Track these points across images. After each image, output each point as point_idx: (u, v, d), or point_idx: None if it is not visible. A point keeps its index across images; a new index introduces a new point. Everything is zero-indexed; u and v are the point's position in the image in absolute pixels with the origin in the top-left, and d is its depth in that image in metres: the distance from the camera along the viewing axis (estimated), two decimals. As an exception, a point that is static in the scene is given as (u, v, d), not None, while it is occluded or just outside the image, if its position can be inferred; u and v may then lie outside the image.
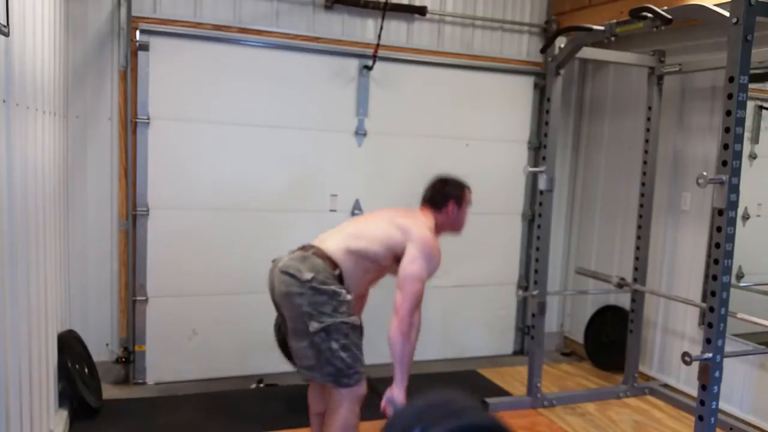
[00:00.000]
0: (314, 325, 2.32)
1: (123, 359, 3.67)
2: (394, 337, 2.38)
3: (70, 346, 3.24)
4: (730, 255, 2.39)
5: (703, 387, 2.44)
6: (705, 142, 3.69)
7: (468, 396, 1.59)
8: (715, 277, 2.42)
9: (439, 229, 2.67)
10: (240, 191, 3.80)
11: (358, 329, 2.44)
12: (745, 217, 3.50)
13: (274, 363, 3.92)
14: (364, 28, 3.99)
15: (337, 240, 2.51)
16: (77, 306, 3.58)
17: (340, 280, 2.43)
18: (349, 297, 2.40)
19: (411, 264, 2.43)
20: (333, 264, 2.43)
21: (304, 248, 2.49)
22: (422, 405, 1.60)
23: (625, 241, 4.19)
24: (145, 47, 3.50)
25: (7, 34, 1.95)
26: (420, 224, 2.55)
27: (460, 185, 2.74)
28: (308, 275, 2.33)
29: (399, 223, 2.53)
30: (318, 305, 2.33)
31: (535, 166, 4.18)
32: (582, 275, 4.25)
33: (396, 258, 2.49)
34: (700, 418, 2.45)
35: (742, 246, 2.47)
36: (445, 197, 2.68)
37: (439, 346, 4.37)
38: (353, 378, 2.39)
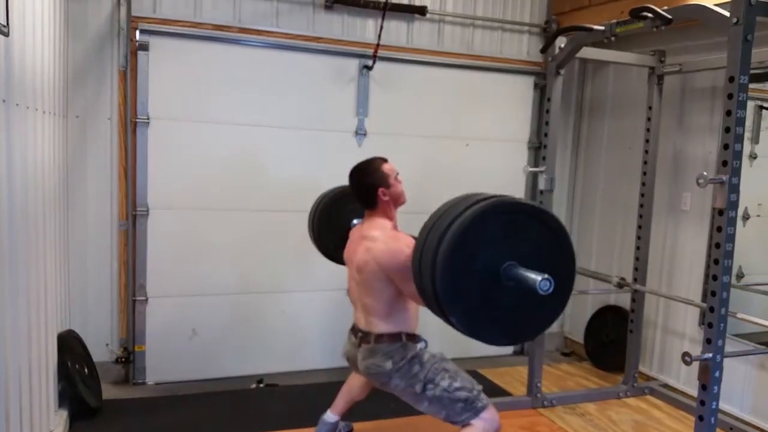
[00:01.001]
0: (418, 387, 2.44)
1: (123, 359, 3.67)
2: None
3: (70, 346, 3.24)
4: (730, 255, 2.39)
5: (703, 387, 2.44)
6: (705, 142, 3.69)
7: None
8: (715, 277, 2.41)
9: (391, 216, 2.59)
10: (240, 191, 3.80)
11: (446, 359, 2.54)
12: (745, 217, 3.50)
13: (274, 363, 3.96)
14: (364, 28, 3.99)
15: (369, 316, 2.53)
16: (77, 306, 3.58)
17: (409, 337, 2.52)
18: (419, 346, 2.52)
19: (402, 283, 2.38)
20: (392, 336, 2.50)
21: (363, 339, 2.55)
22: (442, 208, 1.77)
23: (625, 241, 4.19)
24: (144, 47, 3.50)
25: (6, 34, 1.96)
26: (376, 240, 2.46)
27: (371, 167, 2.57)
28: (388, 365, 2.46)
29: (366, 261, 2.47)
30: (411, 375, 2.46)
31: (535, 166, 4.18)
32: (582, 275, 4.24)
33: (397, 274, 2.42)
34: (701, 418, 2.45)
35: (742, 246, 2.47)
36: (372, 191, 2.53)
37: (441, 346, 4.30)
38: (481, 399, 2.45)
